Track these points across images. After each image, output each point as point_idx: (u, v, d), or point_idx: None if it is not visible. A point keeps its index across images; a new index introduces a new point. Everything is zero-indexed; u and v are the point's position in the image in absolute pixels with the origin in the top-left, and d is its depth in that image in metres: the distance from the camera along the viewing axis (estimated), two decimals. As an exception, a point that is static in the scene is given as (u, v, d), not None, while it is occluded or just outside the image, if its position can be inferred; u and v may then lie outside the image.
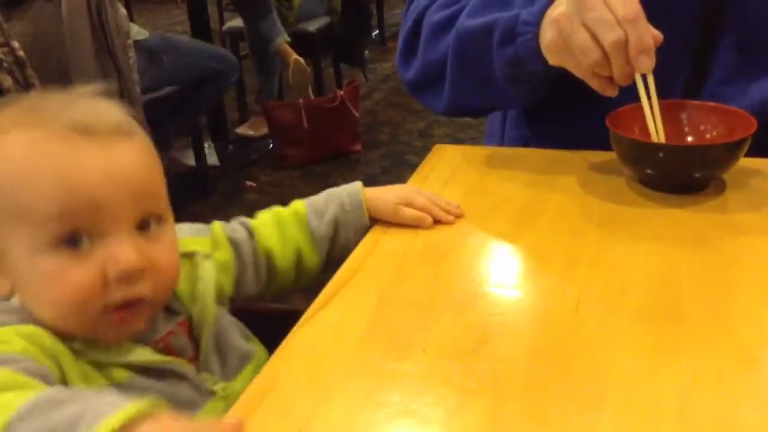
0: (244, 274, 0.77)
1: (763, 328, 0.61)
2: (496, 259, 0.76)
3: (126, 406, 0.46)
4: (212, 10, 3.65)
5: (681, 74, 0.92)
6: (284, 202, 0.83)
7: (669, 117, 0.86)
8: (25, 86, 1.76)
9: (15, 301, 0.62)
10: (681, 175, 0.82)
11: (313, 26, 3.35)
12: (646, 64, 0.74)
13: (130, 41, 2.06)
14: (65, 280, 0.58)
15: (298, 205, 0.82)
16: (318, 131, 3.06)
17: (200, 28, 3.27)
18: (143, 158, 0.62)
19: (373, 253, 0.76)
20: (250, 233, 0.78)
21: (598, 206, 0.82)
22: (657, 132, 0.81)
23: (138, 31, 2.76)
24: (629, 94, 0.85)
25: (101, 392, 0.52)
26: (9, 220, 0.59)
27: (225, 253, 0.75)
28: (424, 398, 0.55)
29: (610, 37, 0.73)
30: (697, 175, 0.82)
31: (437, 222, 0.80)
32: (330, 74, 3.76)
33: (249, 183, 2.95)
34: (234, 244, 0.77)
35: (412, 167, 0.97)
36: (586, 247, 0.74)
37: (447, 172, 0.93)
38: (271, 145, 3.24)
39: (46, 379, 0.54)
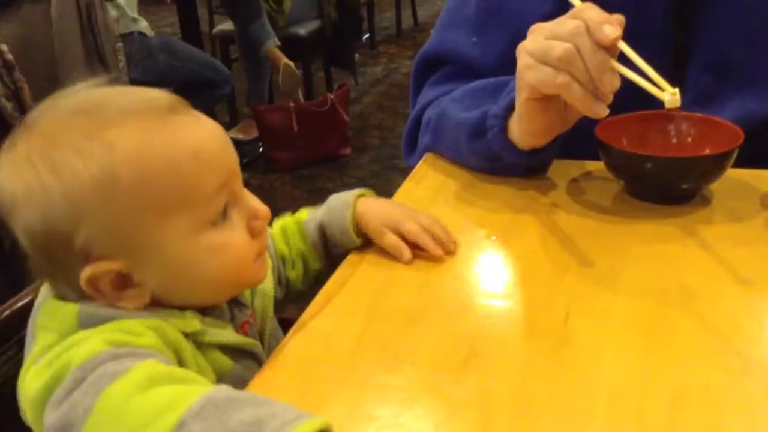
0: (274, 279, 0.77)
1: (750, 341, 0.61)
2: (485, 269, 0.76)
3: (312, 419, 0.46)
4: (202, 12, 3.64)
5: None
6: (274, 206, 0.82)
7: (656, 128, 0.87)
8: (13, 90, 1.75)
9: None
10: (669, 186, 0.83)
11: (303, 30, 3.35)
12: (608, 31, 0.71)
13: (119, 44, 2.05)
14: (231, 247, 0.61)
15: (302, 212, 0.82)
16: (308, 135, 3.06)
17: (190, 30, 3.27)
18: None
19: (363, 262, 0.76)
20: (271, 240, 0.78)
21: (587, 216, 0.82)
22: (661, 86, 0.74)
23: (145, 27, 2.79)
24: (618, 105, 0.85)
25: (267, 398, 0.50)
26: (163, 213, 0.57)
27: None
28: (414, 411, 0.55)
29: (567, 27, 0.73)
30: (684, 186, 0.83)
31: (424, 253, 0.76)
32: (320, 78, 3.76)
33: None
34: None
35: (402, 171, 0.97)
36: (574, 258, 0.74)
37: (438, 179, 0.93)
38: (261, 149, 3.24)
39: None
